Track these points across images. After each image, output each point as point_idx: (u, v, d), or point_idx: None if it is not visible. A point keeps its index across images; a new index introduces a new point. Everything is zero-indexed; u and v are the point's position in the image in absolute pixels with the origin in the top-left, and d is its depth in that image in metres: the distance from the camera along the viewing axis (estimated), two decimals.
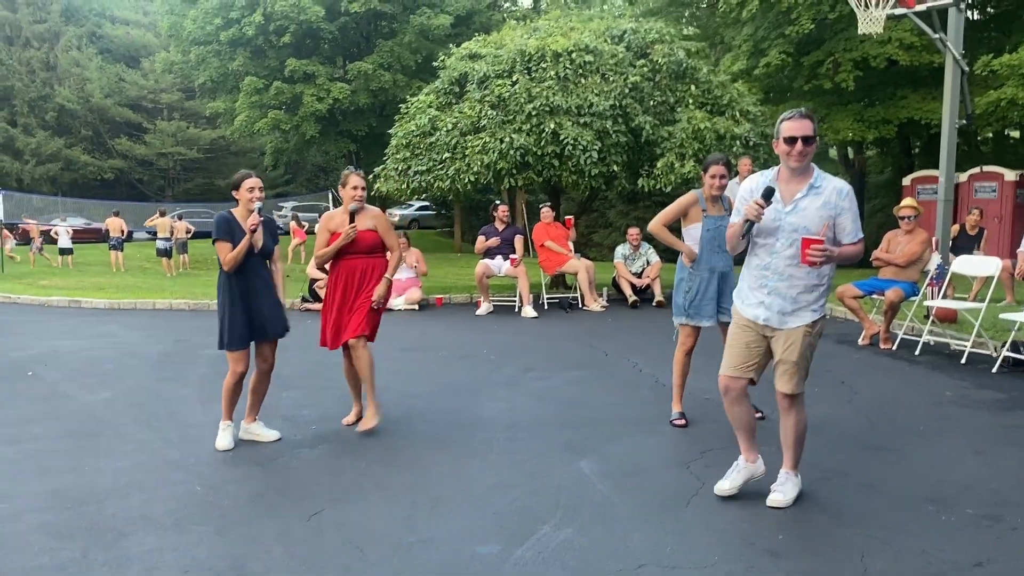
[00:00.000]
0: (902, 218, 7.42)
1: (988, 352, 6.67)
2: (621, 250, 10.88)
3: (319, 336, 4.82)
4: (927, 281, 7.59)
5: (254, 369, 4.56)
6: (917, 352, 6.92)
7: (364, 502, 3.64)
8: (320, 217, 4.98)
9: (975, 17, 16.53)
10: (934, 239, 8.22)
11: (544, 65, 10.48)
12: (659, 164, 10.22)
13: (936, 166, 9.46)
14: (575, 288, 10.74)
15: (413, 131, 10.70)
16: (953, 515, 3.40)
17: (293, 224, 20.38)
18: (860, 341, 7.43)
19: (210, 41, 24.80)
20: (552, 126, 9.94)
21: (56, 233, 19.62)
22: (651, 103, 10.65)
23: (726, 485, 3.57)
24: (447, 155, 10.33)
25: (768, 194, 3.26)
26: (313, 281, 10.17)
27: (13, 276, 15.81)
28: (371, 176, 10.99)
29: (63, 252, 18.95)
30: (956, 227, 10.23)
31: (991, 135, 19.03)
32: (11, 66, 34.22)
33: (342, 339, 4.67)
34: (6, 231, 19.05)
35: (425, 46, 24.48)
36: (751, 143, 10.40)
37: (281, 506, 3.60)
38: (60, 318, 10.16)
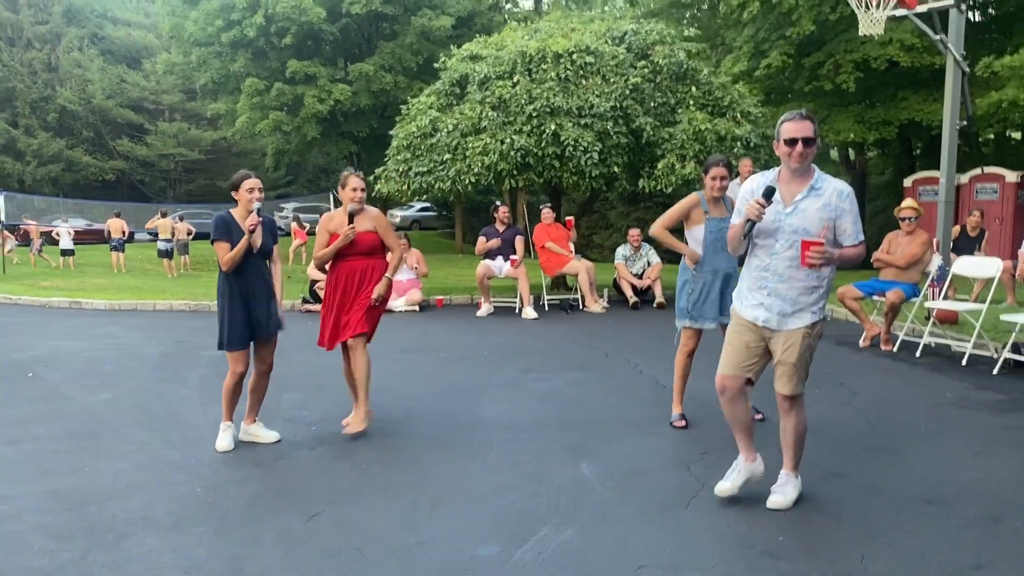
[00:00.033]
0: (903, 219, 7.41)
1: (989, 353, 6.66)
2: (622, 251, 10.88)
3: (318, 337, 4.83)
4: (928, 282, 7.59)
5: (253, 370, 4.56)
6: (918, 353, 6.92)
7: (364, 503, 3.64)
8: (320, 218, 4.98)
9: (976, 18, 16.53)
10: (935, 240, 8.22)
11: (545, 66, 10.48)
12: (660, 165, 10.22)
13: (937, 167, 9.45)
14: (576, 289, 10.74)
15: (414, 132, 10.71)
16: (953, 517, 3.40)
17: (294, 225, 20.40)
18: (861, 342, 7.42)
19: (211, 42, 24.84)
20: (553, 127, 9.95)
21: (58, 234, 19.64)
22: (652, 104, 10.65)
23: (726, 485, 3.56)
24: (448, 156, 10.34)
25: (769, 193, 3.26)
26: (314, 282, 10.17)
27: (14, 277, 15.83)
28: (372, 177, 11.01)
29: (64, 253, 18.97)
30: (957, 228, 10.22)
31: (992, 136, 19.02)
32: (13, 67, 34.29)
33: (341, 338, 4.68)
34: (6, 232, 19.06)
35: (426, 47, 24.50)
36: (752, 144, 10.39)
37: (281, 507, 3.60)
38: (61, 319, 10.17)
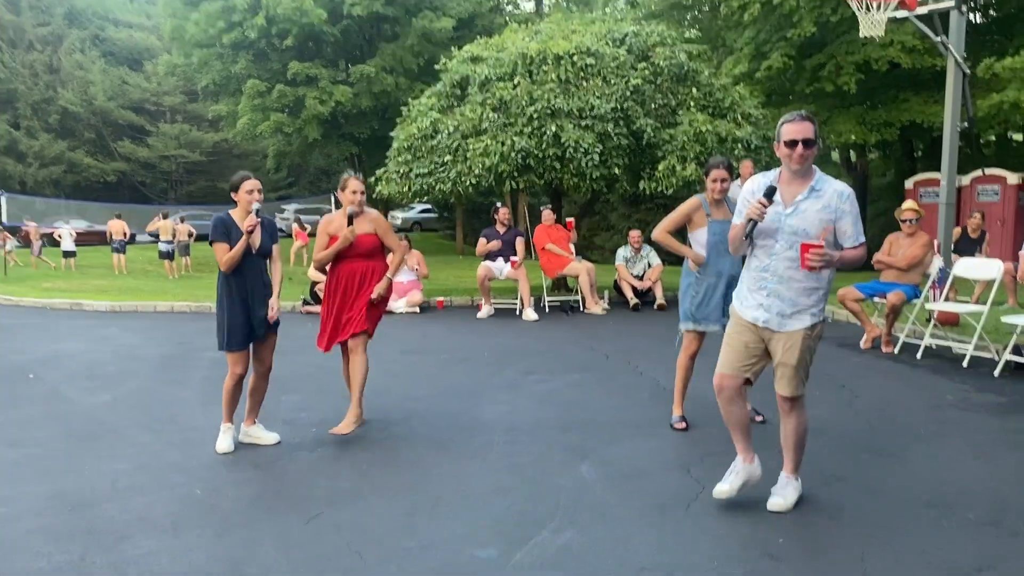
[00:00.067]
0: (904, 221, 7.40)
1: (990, 355, 6.64)
2: (622, 252, 10.87)
3: (317, 338, 4.82)
4: (929, 284, 7.57)
5: (252, 372, 4.56)
6: (919, 355, 6.91)
7: (363, 505, 3.64)
8: (320, 220, 4.98)
9: (977, 20, 16.53)
10: (936, 242, 8.21)
11: (545, 68, 10.48)
12: (660, 167, 10.22)
13: (938, 169, 9.44)
14: (576, 291, 10.73)
15: (415, 134, 10.71)
16: (954, 519, 3.39)
17: (295, 226, 20.43)
18: (862, 344, 7.41)
19: (212, 44, 24.86)
20: (553, 129, 9.95)
21: (59, 235, 19.66)
22: (652, 106, 10.65)
23: (725, 487, 3.55)
24: (448, 158, 10.34)
25: (770, 193, 3.26)
26: (314, 283, 10.17)
27: (15, 279, 15.84)
28: (373, 179, 11.02)
29: (66, 255, 18.99)
30: (958, 230, 10.21)
31: (994, 138, 19.01)
32: (14, 69, 34.32)
33: (342, 336, 4.67)
34: (6, 233, 19.08)
35: (427, 49, 24.50)
36: (753, 146, 10.39)
37: (280, 509, 3.60)
38: (62, 321, 10.18)
